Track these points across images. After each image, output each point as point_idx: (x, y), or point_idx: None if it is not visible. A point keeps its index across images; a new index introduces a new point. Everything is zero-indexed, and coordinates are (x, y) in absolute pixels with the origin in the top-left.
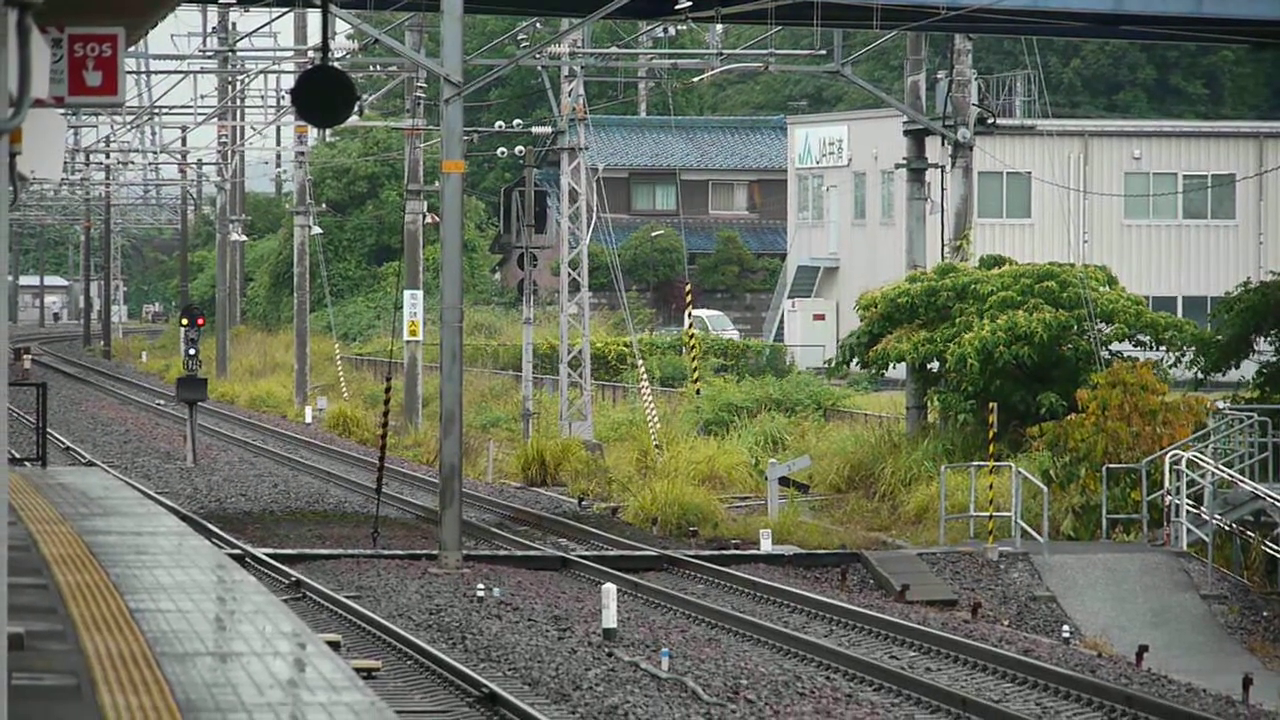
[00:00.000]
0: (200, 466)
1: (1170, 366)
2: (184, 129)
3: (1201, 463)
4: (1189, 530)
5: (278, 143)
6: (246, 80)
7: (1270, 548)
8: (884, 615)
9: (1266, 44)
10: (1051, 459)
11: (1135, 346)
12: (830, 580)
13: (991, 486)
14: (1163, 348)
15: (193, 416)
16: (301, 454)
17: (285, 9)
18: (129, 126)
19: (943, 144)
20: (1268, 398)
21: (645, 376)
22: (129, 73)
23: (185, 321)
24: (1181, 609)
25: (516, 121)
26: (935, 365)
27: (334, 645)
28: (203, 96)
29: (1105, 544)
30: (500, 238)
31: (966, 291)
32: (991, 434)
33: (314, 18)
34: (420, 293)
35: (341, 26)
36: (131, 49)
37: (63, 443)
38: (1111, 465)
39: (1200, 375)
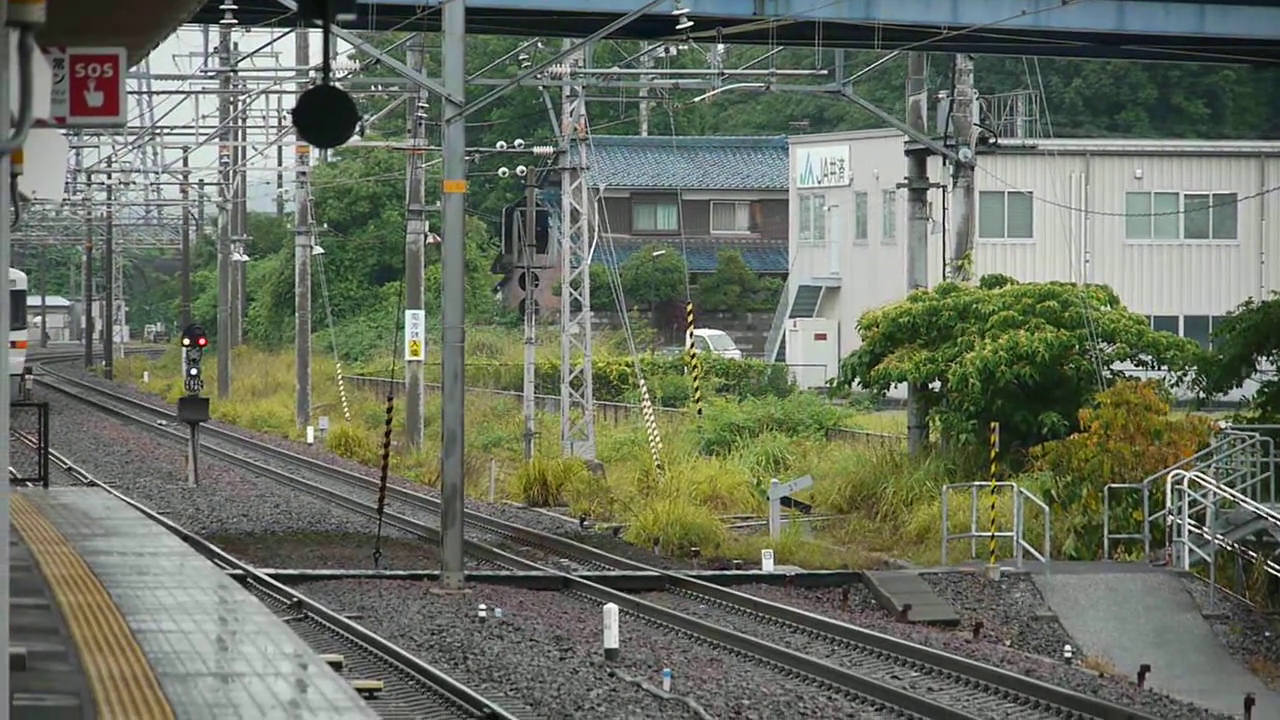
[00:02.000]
0: (202, 487)
1: (1172, 386)
2: (185, 149)
3: (1203, 483)
4: (1191, 550)
5: (279, 163)
6: (248, 100)
7: (1272, 568)
8: (886, 635)
9: (1268, 63)
10: (1053, 479)
11: (1137, 366)
12: (832, 600)
13: (993, 506)
14: (1164, 367)
15: (194, 437)
16: (303, 474)
17: (287, 29)
18: (130, 147)
19: (944, 164)
20: (1269, 417)
21: (647, 396)
22: (130, 93)
23: (187, 341)
24: (1183, 629)
25: (518, 141)
26: (937, 385)
27: (336, 666)
28: (204, 116)
29: (1107, 564)
30: (502, 257)
31: (968, 311)
32: (993, 454)
33: (315, 38)
34: (422, 313)
35: (343, 47)
36: (133, 69)
37: (64, 463)
38: (1113, 485)
39: (1202, 395)
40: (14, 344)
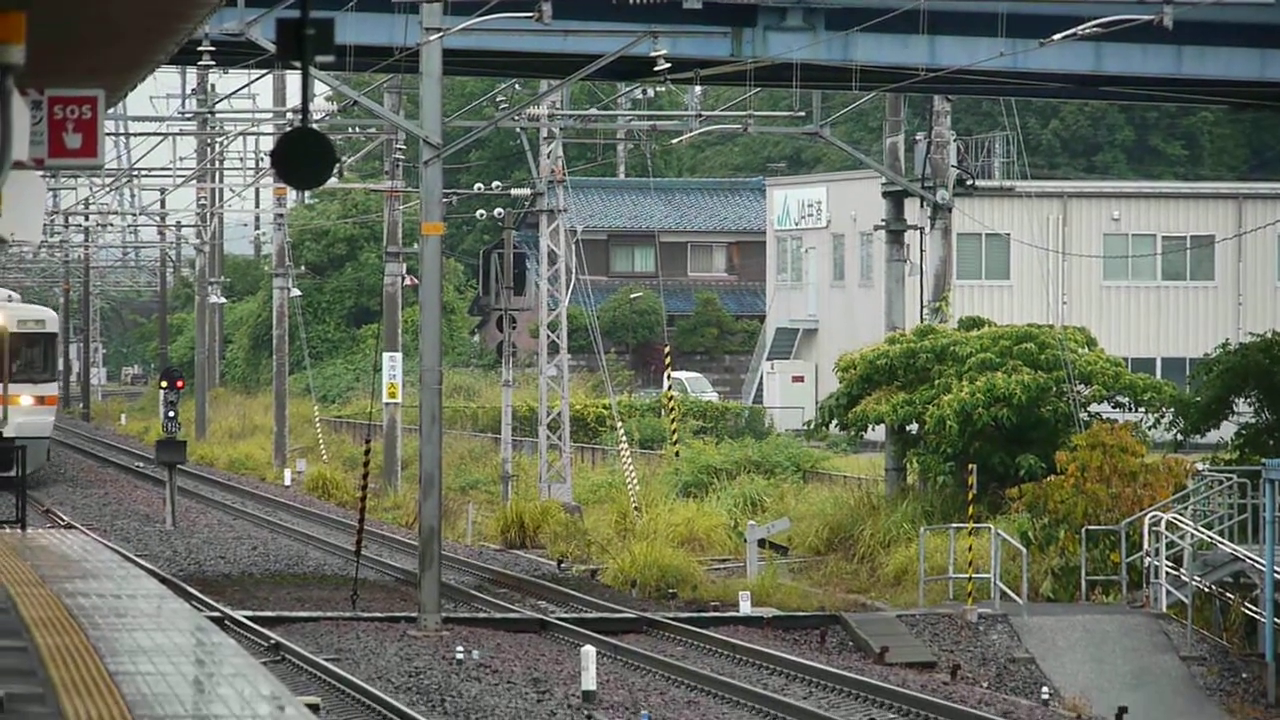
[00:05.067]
0: (179, 529)
1: (1150, 428)
2: (163, 191)
3: (1181, 524)
4: (1168, 592)
5: (256, 204)
6: (225, 142)
7: (1249, 609)
8: (863, 677)
9: (1245, 104)
10: (1030, 520)
11: (1114, 408)
12: (809, 642)
13: (971, 548)
14: (1142, 409)
15: (172, 479)
16: (281, 516)
17: (264, 71)
18: (108, 188)
19: (921, 205)
20: (1247, 459)
21: (624, 439)
22: (108, 135)
23: (164, 384)
24: (1161, 670)
25: (495, 183)
26: (914, 427)
27: (313, 708)
28: (182, 158)
29: (1084, 606)
30: (479, 300)
31: (945, 353)
32: (971, 495)
33: (293, 79)
34: (399, 355)
35: (320, 88)
36: (110, 111)
37: (42, 505)
38: (1091, 527)
39: (1180, 437)
40: (42, 399)
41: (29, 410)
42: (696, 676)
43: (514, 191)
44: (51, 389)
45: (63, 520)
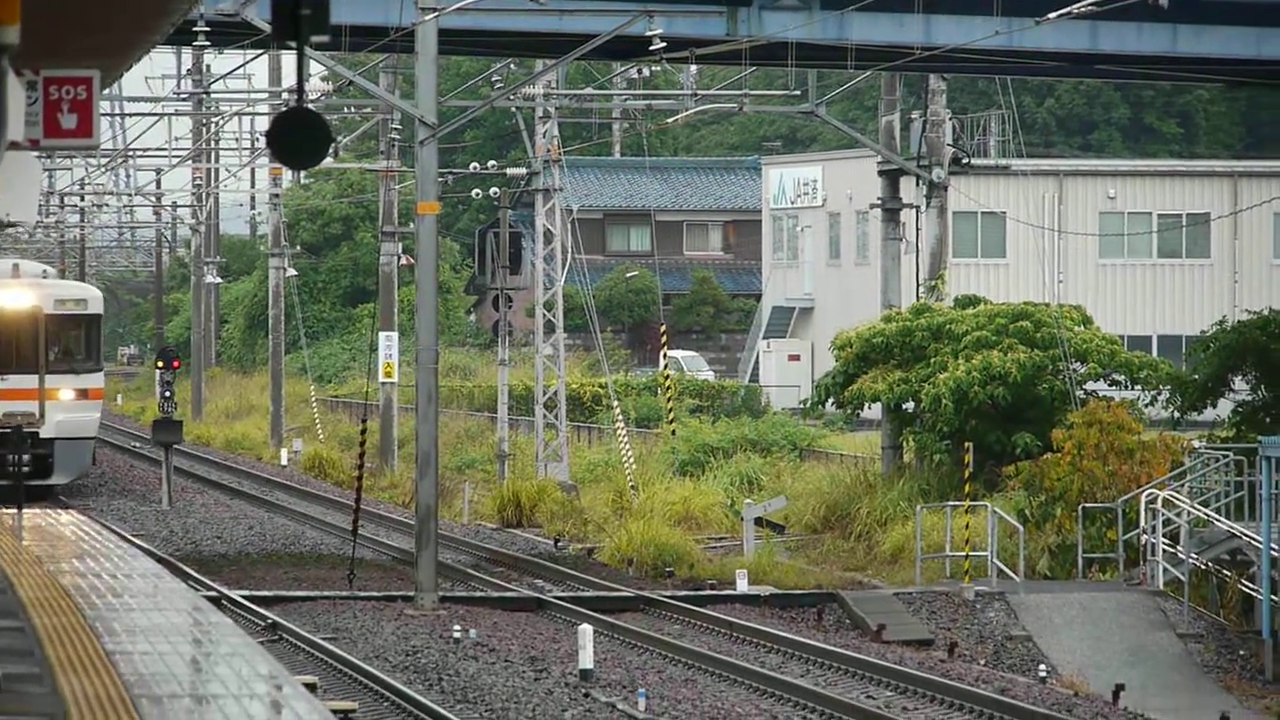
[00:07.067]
0: (176, 509)
1: (1146, 406)
2: (158, 171)
3: (1177, 502)
4: (1165, 569)
5: (252, 185)
6: (221, 122)
7: (1246, 586)
8: (860, 655)
9: (1240, 83)
10: (1027, 498)
11: (1110, 386)
12: (807, 620)
13: (967, 526)
14: (1138, 387)
15: (168, 459)
16: (277, 496)
17: (260, 51)
18: (103, 169)
19: (917, 184)
20: (1243, 436)
21: (621, 417)
22: (104, 115)
23: (160, 364)
24: (1158, 648)
25: (491, 163)
26: (910, 405)
27: (311, 687)
28: (177, 138)
29: (1081, 583)
30: (475, 279)
31: (941, 332)
32: (967, 474)
33: (289, 60)
34: (395, 334)
35: (316, 68)
36: (105, 91)
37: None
38: (1087, 505)
39: (1176, 414)
40: (84, 393)
41: (70, 406)
42: (694, 655)
43: (510, 171)
44: (96, 380)
45: (59, 500)
